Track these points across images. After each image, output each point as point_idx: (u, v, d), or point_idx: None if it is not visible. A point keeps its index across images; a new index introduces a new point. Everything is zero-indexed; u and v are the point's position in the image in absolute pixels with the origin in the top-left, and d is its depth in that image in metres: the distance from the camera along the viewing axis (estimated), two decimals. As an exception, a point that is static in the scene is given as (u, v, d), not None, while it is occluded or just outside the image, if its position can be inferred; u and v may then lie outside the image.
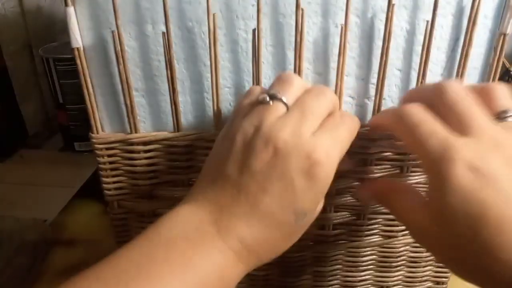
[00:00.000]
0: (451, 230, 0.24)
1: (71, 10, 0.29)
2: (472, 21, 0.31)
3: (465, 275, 0.25)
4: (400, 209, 0.28)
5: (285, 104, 0.26)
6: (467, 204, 0.23)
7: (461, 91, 0.26)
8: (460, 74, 0.33)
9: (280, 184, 0.24)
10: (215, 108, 0.32)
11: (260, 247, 0.25)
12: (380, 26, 0.31)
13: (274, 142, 0.24)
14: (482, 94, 0.26)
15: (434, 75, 0.33)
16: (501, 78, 0.80)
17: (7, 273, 0.47)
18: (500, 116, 0.25)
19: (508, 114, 0.25)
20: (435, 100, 0.27)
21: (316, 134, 0.25)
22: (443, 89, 0.26)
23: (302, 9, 0.30)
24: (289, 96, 0.27)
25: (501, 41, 0.32)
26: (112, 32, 0.30)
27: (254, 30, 0.30)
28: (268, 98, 0.26)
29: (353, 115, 0.30)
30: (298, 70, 0.31)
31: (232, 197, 0.25)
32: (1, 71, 0.67)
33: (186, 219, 0.25)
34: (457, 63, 0.33)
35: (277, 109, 0.26)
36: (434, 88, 0.27)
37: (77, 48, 0.30)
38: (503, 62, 0.81)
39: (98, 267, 0.23)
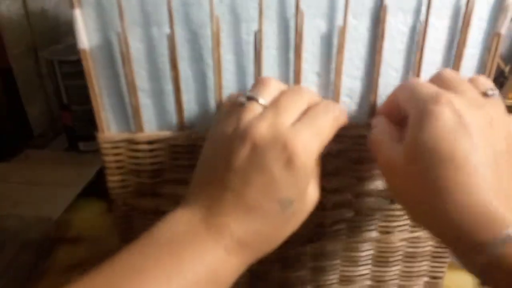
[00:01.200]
0: (419, 165, 0.26)
1: (77, 12, 0.30)
2: (466, 22, 0.32)
3: (418, 218, 0.28)
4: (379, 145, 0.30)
5: (261, 104, 0.28)
6: (440, 141, 0.25)
7: (454, 72, 0.30)
8: (455, 74, 0.34)
9: (261, 176, 0.26)
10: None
11: (252, 240, 0.26)
12: (374, 27, 0.32)
13: (251, 138, 0.26)
14: (470, 80, 0.30)
15: (429, 76, 0.34)
16: (495, 79, 0.80)
17: (11, 271, 0.48)
18: (485, 94, 0.28)
19: (492, 92, 0.28)
20: (433, 80, 0.30)
21: (293, 126, 0.27)
22: (440, 71, 0.31)
23: (302, 12, 0.31)
24: (265, 97, 0.28)
25: (495, 41, 0.33)
26: (118, 34, 0.31)
27: (255, 33, 0.31)
28: (245, 100, 0.28)
29: (338, 104, 0.32)
30: (297, 71, 0.32)
31: (219, 195, 0.26)
32: (6, 72, 0.68)
33: (178, 222, 0.27)
34: (452, 64, 0.34)
35: (254, 109, 0.28)
36: (433, 75, 0.31)
37: (84, 50, 0.31)
38: (497, 63, 0.83)
39: (91, 273, 0.24)
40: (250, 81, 0.33)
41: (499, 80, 0.81)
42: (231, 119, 0.28)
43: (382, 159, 0.29)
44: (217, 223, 0.26)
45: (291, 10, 0.31)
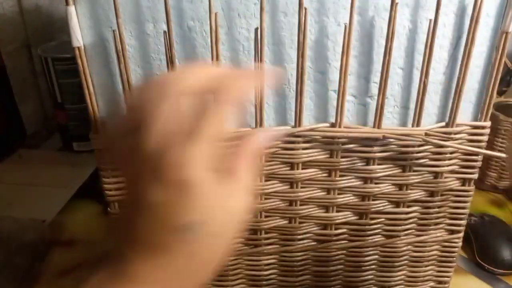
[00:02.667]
0: None
1: (72, 9, 0.29)
2: (475, 19, 0.31)
3: None
4: None
5: None
6: None
7: None
8: (463, 72, 0.32)
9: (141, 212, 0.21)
10: (217, 107, 0.32)
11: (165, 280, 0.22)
12: (382, 24, 0.31)
13: None
14: None
15: (436, 74, 0.33)
16: (503, 78, 0.79)
17: (6, 274, 0.47)
18: None
19: None
20: None
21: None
22: None
23: (305, 8, 0.29)
24: None
25: (503, 39, 0.32)
26: (113, 31, 0.30)
27: (256, 29, 0.30)
28: None
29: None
30: (301, 69, 0.31)
31: (119, 249, 0.22)
32: None
33: None
34: (459, 62, 0.32)
35: None
36: None
37: (78, 47, 0.30)
38: (504, 62, 0.82)
39: None
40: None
41: (506, 79, 0.79)
42: None
43: None
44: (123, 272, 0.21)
45: (292, 6, 0.30)
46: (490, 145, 0.65)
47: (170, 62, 0.31)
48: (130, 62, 0.31)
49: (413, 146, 0.35)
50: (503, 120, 0.61)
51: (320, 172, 0.35)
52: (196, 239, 0.21)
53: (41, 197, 0.59)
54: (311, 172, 0.35)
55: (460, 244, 0.40)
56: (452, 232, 0.39)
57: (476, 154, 0.35)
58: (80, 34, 0.30)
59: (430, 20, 0.31)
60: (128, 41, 0.31)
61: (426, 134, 0.34)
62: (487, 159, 0.67)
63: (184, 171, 0.20)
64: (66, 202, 0.58)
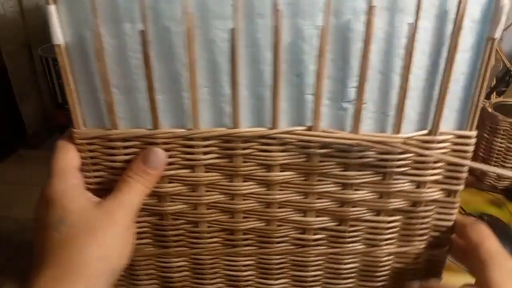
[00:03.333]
0: None
1: (52, 8, 0.30)
2: (458, 25, 0.30)
3: None
4: None
5: None
6: None
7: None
8: (446, 80, 0.31)
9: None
10: (193, 107, 0.32)
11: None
12: (360, 28, 0.30)
13: None
14: None
15: (418, 80, 0.32)
16: (502, 78, 0.78)
17: (5, 273, 0.47)
18: None
19: None
20: None
21: None
22: None
23: (280, 10, 0.29)
24: None
25: (489, 45, 0.30)
26: (90, 30, 0.30)
27: (231, 30, 0.30)
28: None
29: None
30: (276, 71, 0.31)
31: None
32: (0, 70, 0.68)
33: None
34: (442, 68, 0.31)
35: None
36: None
37: (59, 45, 0.31)
38: (503, 62, 0.80)
39: None
40: (226, 79, 0.32)
41: (505, 79, 0.78)
42: None
43: None
44: None
45: (268, 8, 0.30)
46: (490, 145, 0.66)
47: (146, 61, 0.31)
48: (109, 61, 0.32)
49: (393, 153, 0.34)
50: (502, 120, 0.61)
51: (297, 175, 0.35)
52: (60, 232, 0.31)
53: (41, 197, 0.60)
54: (288, 175, 0.35)
55: (446, 258, 0.38)
56: (437, 245, 0.38)
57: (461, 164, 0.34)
58: (60, 32, 0.31)
59: (410, 24, 0.30)
60: (107, 40, 0.31)
61: (404, 143, 0.33)
62: (486, 159, 0.67)
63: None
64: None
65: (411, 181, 0.35)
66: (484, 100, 0.72)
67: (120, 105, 0.33)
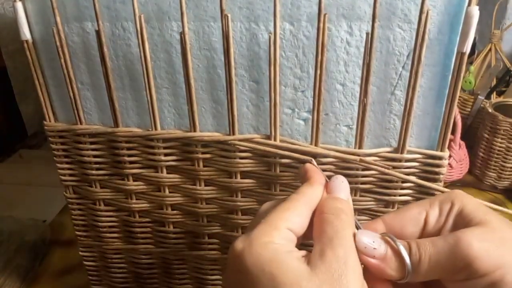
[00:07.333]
0: None
1: (19, 5, 0.31)
2: (421, 35, 0.27)
3: None
4: None
5: None
6: None
7: None
8: (411, 94, 0.29)
9: None
10: (151, 107, 0.32)
11: None
12: (316, 35, 0.29)
13: None
14: None
15: (383, 93, 0.30)
16: (502, 78, 0.75)
17: (6, 273, 0.48)
18: None
19: None
20: None
21: None
22: None
23: (227, 15, 0.28)
24: None
25: (458, 60, 0.27)
26: (52, 28, 0.31)
27: (181, 33, 0.30)
28: None
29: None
30: (229, 76, 0.30)
31: None
32: (0, 70, 0.68)
33: None
34: (407, 83, 0.29)
35: None
36: None
37: (26, 41, 0.32)
38: (503, 62, 0.73)
39: None
40: (181, 79, 0.32)
41: (505, 79, 0.75)
42: None
43: None
44: None
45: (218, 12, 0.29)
46: (490, 145, 0.65)
47: (103, 60, 0.31)
48: (74, 58, 0.33)
49: (355, 169, 0.32)
50: (502, 120, 0.61)
51: (259, 184, 0.34)
52: None
53: (41, 197, 0.61)
54: (249, 182, 0.34)
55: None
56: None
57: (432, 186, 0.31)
58: (27, 29, 0.32)
59: (367, 34, 0.27)
60: (71, 38, 0.32)
61: (361, 160, 0.30)
62: (486, 159, 0.65)
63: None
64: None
65: (378, 200, 0.33)
66: (484, 100, 0.70)
67: (88, 101, 0.34)
